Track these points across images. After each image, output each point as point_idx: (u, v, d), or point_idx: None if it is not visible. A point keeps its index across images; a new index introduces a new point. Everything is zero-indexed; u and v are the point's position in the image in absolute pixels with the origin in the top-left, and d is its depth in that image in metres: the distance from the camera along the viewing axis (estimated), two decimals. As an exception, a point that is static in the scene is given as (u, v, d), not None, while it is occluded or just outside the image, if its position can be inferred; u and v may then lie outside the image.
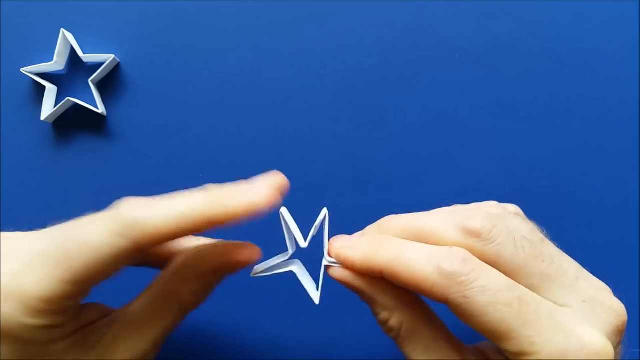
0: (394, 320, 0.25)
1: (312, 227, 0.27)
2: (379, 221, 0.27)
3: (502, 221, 0.25)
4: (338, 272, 0.26)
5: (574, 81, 0.37)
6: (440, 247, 0.24)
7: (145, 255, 0.29)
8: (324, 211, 0.27)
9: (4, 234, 0.26)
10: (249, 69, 0.38)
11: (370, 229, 0.27)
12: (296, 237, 0.27)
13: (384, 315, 0.26)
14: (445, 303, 0.23)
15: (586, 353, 0.22)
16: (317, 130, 0.37)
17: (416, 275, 0.23)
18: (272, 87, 0.38)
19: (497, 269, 0.24)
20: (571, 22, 0.38)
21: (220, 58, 0.38)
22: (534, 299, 0.23)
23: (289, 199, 0.37)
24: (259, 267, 0.27)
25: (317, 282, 0.28)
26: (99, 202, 0.37)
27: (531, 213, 0.37)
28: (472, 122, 0.37)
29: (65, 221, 0.26)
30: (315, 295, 0.27)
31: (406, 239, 0.25)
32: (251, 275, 0.27)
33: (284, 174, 0.37)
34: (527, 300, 0.23)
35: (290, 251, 0.28)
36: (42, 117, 0.37)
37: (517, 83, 0.37)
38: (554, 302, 0.24)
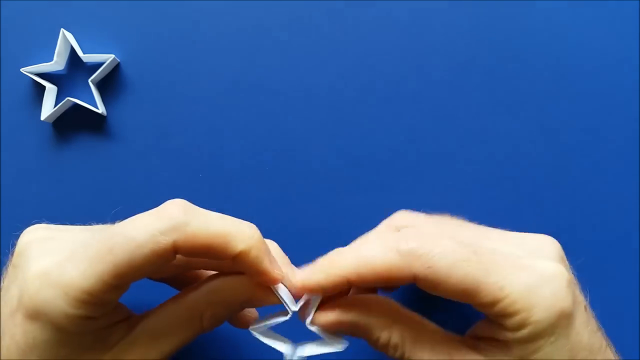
0: (396, 336, 0.26)
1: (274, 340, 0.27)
2: (326, 259, 0.27)
3: (427, 235, 0.26)
4: (326, 316, 0.26)
5: (574, 81, 0.37)
6: (391, 234, 0.26)
7: (176, 269, 0.29)
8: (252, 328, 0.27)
9: (51, 226, 0.27)
10: (249, 69, 0.38)
11: (317, 271, 0.27)
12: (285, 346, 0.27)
13: (384, 336, 0.26)
14: (413, 280, 0.24)
15: (548, 279, 0.24)
16: (317, 130, 0.37)
17: (380, 266, 0.24)
18: (272, 87, 0.38)
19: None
20: (571, 22, 0.37)
21: (220, 58, 0.38)
22: (487, 248, 0.25)
23: (289, 199, 0.37)
24: (257, 326, 0.27)
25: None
26: (99, 202, 0.38)
27: (531, 213, 0.37)
28: (472, 122, 0.37)
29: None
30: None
31: (354, 272, 0.25)
32: (249, 329, 0.27)
33: (284, 173, 0.37)
34: (482, 251, 0.25)
35: (292, 311, 0.27)
36: (42, 117, 0.37)
37: (517, 83, 0.37)
38: (502, 248, 0.26)
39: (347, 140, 0.37)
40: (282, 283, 0.27)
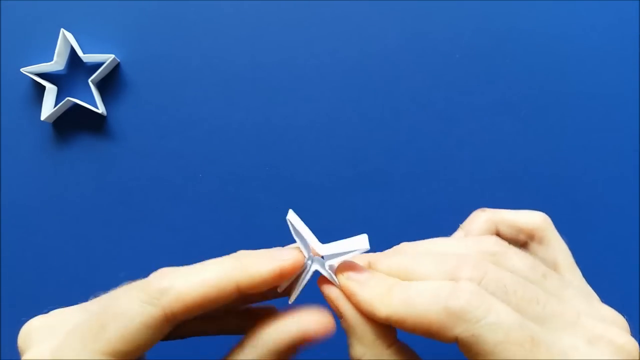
0: (367, 357, 0.24)
1: (305, 231, 0.26)
2: (395, 253, 0.25)
3: (493, 267, 0.23)
4: (335, 295, 0.25)
5: (574, 81, 0.37)
6: (447, 282, 0.23)
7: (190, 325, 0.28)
8: (290, 214, 0.25)
9: (51, 313, 0.27)
10: (249, 69, 0.38)
11: (378, 260, 0.25)
12: (311, 243, 0.26)
13: (357, 351, 0.24)
14: (455, 342, 0.22)
15: None
16: (317, 130, 0.37)
17: (424, 319, 0.22)
18: (272, 87, 0.38)
19: (508, 295, 0.22)
20: (571, 22, 0.38)
21: (220, 58, 0.38)
22: (546, 339, 0.22)
23: (289, 199, 0.37)
24: (293, 295, 0.26)
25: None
26: (99, 202, 0.38)
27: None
28: (472, 122, 0.37)
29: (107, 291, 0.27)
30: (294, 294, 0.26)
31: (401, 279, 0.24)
32: (290, 302, 0.26)
33: (284, 174, 0.37)
34: (540, 341, 0.21)
35: (306, 255, 0.26)
36: (42, 117, 0.37)
37: (517, 83, 0.37)
38: (561, 342, 0.22)
39: (347, 140, 0.37)
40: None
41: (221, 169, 0.37)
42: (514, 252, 0.25)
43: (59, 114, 0.38)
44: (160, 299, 0.23)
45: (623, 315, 0.25)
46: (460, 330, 0.21)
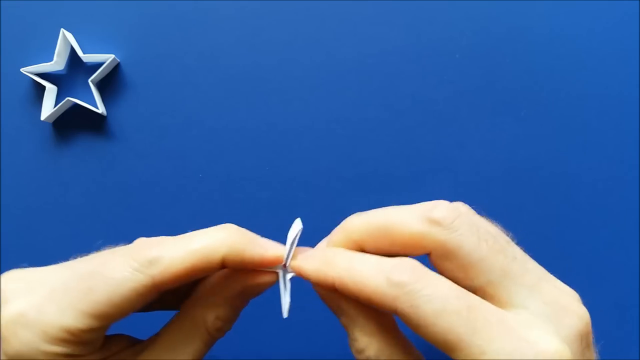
0: (371, 350, 0.24)
1: (291, 242, 0.26)
2: (344, 222, 0.27)
3: (466, 215, 0.24)
4: (329, 294, 0.25)
5: (574, 81, 0.37)
6: (390, 258, 0.24)
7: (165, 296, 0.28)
8: (299, 225, 0.27)
9: (28, 269, 0.27)
10: (249, 69, 0.38)
11: (335, 232, 0.27)
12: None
13: (360, 343, 0.25)
14: (395, 313, 0.23)
15: (552, 348, 0.22)
16: (317, 131, 0.37)
17: (367, 286, 0.23)
18: (272, 87, 0.38)
19: (456, 261, 0.23)
20: (571, 22, 0.38)
21: (220, 58, 0.38)
22: (484, 306, 0.23)
23: (289, 199, 0.37)
24: (285, 306, 0.27)
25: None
26: (99, 202, 0.38)
27: (531, 212, 0.37)
28: (472, 122, 0.37)
29: (85, 254, 0.27)
30: (285, 308, 0.26)
31: (370, 234, 0.25)
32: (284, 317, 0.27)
33: (284, 174, 0.37)
34: (477, 307, 0.22)
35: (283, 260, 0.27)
36: (42, 117, 0.37)
37: (517, 83, 0.37)
38: (512, 303, 0.23)
39: (347, 140, 0.37)
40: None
41: (221, 169, 0.37)
42: (480, 216, 0.25)
43: (59, 114, 0.38)
44: (150, 267, 0.24)
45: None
46: (401, 301, 0.22)
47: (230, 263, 0.25)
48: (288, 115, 0.37)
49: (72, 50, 0.38)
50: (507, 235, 0.25)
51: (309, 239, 0.37)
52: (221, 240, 0.25)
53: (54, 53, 0.37)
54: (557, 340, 0.22)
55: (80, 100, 0.37)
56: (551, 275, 0.25)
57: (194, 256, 0.24)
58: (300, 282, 0.27)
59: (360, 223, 0.26)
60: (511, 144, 0.37)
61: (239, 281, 0.26)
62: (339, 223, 0.38)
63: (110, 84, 0.38)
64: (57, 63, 0.37)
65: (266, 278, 0.26)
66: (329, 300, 0.26)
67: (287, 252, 0.26)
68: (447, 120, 0.37)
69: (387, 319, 0.25)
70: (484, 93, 0.37)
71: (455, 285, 0.23)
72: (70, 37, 0.37)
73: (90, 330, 0.24)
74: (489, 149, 0.37)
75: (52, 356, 0.23)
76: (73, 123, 0.38)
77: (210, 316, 0.26)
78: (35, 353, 0.23)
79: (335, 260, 0.25)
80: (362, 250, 0.25)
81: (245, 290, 0.26)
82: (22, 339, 0.23)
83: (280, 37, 0.38)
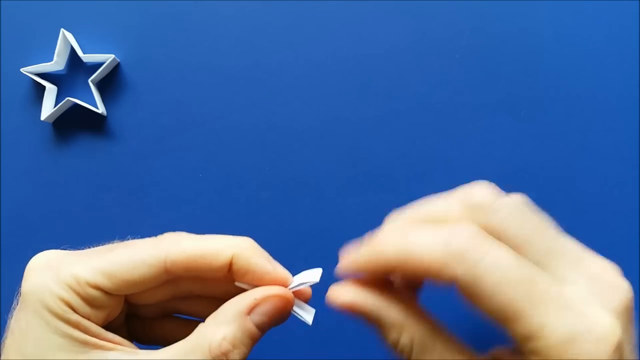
0: (405, 338, 0.24)
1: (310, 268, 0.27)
2: (385, 223, 0.26)
3: (507, 196, 0.24)
4: (343, 296, 0.25)
5: (574, 81, 0.37)
6: (446, 225, 0.23)
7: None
8: (318, 273, 0.27)
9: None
10: (249, 69, 0.38)
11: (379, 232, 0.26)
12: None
13: (393, 335, 0.25)
14: (455, 283, 0.22)
15: (595, 336, 0.22)
16: (317, 130, 0.37)
17: (425, 258, 0.22)
18: (272, 87, 0.38)
19: (504, 242, 0.23)
20: (571, 22, 0.37)
21: (220, 58, 0.38)
22: (544, 278, 0.22)
23: (289, 199, 0.37)
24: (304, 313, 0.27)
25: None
26: (99, 202, 0.38)
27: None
28: (472, 122, 0.37)
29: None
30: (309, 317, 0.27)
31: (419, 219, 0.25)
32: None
33: (284, 173, 0.37)
34: (537, 280, 0.22)
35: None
36: (42, 117, 0.37)
37: (517, 83, 0.37)
38: (561, 279, 0.23)
39: (348, 139, 0.37)
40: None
41: (221, 169, 0.37)
42: (520, 199, 0.25)
43: (59, 114, 0.38)
44: (166, 247, 0.26)
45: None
46: (460, 271, 0.22)
47: (238, 267, 0.25)
48: (288, 115, 0.37)
49: (72, 50, 0.38)
50: (541, 215, 0.26)
51: (308, 239, 0.37)
52: (233, 242, 0.26)
53: (54, 53, 0.37)
54: (609, 315, 0.22)
55: (80, 100, 0.37)
56: (591, 251, 0.25)
57: (205, 248, 0.25)
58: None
59: (403, 218, 0.26)
60: (511, 144, 0.37)
61: (249, 295, 0.26)
62: (338, 223, 0.38)
63: (110, 84, 0.38)
64: (57, 63, 0.37)
65: (274, 290, 0.26)
66: (348, 307, 0.25)
67: (296, 282, 0.26)
68: (447, 120, 0.37)
69: (412, 304, 0.25)
70: (484, 93, 0.37)
71: (516, 254, 0.22)
72: (70, 37, 0.37)
73: (95, 287, 0.25)
74: (489, 149, 0.37)
75: (58, 299, 0.24)
76: (73, 123, 0.38)
77: (217, 334, 0.25)
78: (44, 292, 0.24)
79: (387, 238, 0.24)
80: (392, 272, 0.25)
81: (254, 305, 0.25)
82: (38, 276, 0.25)
83: (280, 37, 0.38)
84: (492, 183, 0.26)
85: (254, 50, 0.38)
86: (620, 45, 0.37)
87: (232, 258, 0.25)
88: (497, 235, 0.23)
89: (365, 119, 0.37)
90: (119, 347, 0.25)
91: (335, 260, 0.36)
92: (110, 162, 0.38)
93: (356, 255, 0.25)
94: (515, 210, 0.24)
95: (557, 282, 0.23)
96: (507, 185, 0.37)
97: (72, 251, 0.27)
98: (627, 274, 0.36)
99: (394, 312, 0.25)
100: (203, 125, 0.38)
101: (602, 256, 0.25)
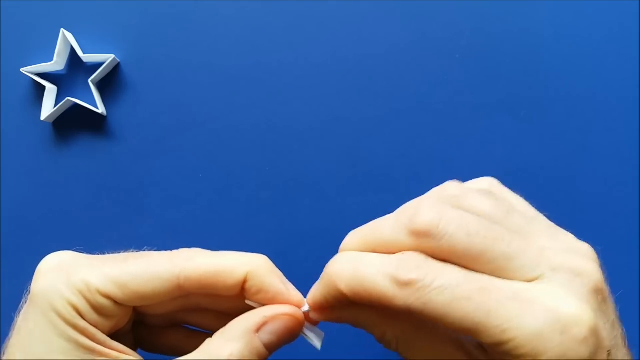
0: (389, 335, 0.25)
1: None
2: (340, 247, 0.27)
3: (451, 210, 0.24)
4: (322, 314, 0.26)
5: (574, 81, 0.37)
6: (392, 255, 0.24)
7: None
8: (320, 340, 0.27)
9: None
10: (249, 69, 0.38)
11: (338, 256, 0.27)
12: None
13: (377, 333, 0.25)
14: (409, 313, 0.23)
15: (563, 325, 0.21)
16: (317, 130, 0.37)
17: (376, 292, 0.23)
18: (272, 87, 0.38)
19: (456, 260, 0.23)
20: (571, 22, 0.37)
21: (220, 58, 0.38)
22: (495, 285, 0.22)
23: (289, 199, 0.37)
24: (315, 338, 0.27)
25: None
26: (99, 202, 0.38)
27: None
28: (472, 122, 0.37)
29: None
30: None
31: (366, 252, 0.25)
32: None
33: (284, 173, 0.37)
34: (487, 288, 0.22)
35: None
36: (42, 117, 0.37)
37: (517, 83, 0.37)
38: (524, 279, 0.23)
39: (348, 139, 0.37)
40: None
41: (221, 169, 0.37)
42: (475, 192, 0.26)
43: (59, 114, 0.38)
44: (182, 262, 0.26)
45: (593, 248, 0.25)
46: (412, 300, 0.22)
47: (250, 285, 0.25)
48: (288, 115, 0.37)
49: (72, 50, 0.38)
50: (507, 201, 0.26)
51: (309, 238, 0.37)
52: (248, 260, 0.26)
53: (54, 53, 0.37)
54: (576, 302, 0.22)
55: (80, 100, 0.37)
56: (555, 232, 0.25)
57: (220, 265, 0.25)
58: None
59: (354, 242, 0.26)
60: (511, 144, 0.37)
61: (258, 312, 0.26)
62: (338, 223, 0.38)
63: (110, 84, 0.38)
64: (57, 63, 0.37)
65: (285, 309, 0.26)
66: (340, 318, 0.26)
67: (307, 307, 0.26)
68: (447, 120, 0.37)
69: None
70: (484, 93, 0.37)
71: (464, 270, 0.23)
72: (70, 37, 0.37)
73: (106, 296, 0.25)
74: (489, 149, 0.37)
75: (66, 302, 0.24)
76: (73, 123, 0.38)
77: (225, 351, 0.25)
78: (54, 295, 0.24)
79: (338, 273, 0.24)
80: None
81: (263, 323, 0.26)
82: (49, 278, 0.25)
83: (280, 37, 0.38)
84: (452, 184, 0.26)
85: (254, 50, 0.38)
86: (620, 45, 0.37)
87: (246, 276, 0.25)
88: (447, 256, 0.23)
89: (365, 119, 0.37)
90: (123, 356, 0.25)
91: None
92: (110, 162, 0.38)
93: (314, 291, 0.26)
94: (460, 225, 0.23)
95: (512, 283, 0.23)
96: (507, 185, 0.37)
97: (85, 255, 0.26)
98: (627, 274, 0.36)
99: (370, 316, 0.25)
100: (203, 125, 0.38)
101: (570, 235, 0.25)
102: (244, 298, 0.26)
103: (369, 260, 0.24)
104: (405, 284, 0.22)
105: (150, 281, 0.25)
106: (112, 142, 0.38)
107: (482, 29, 0.38)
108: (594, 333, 0.22)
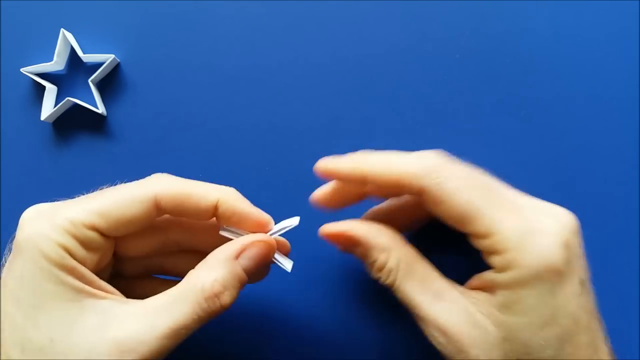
0: (392, 261, 0.27)
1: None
2: (355, 155, 0.29)
3: (449, 161, 0.27)
4: (336, 226, 0.28)
5: (574, 81, 0.37)
6: (413, 153, 0.28)
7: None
8: (296, 221, 0.29)
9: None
10: (249, 69, 0.38)
11: (347, 160, 0.29)
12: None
13: (381, 258, 0.27)
14: (421, 193, 0.26)
15: (545, 232, 0.25)
16: (317, 130, 0.37)
17: (400, 170, 0.26)
18: (272, 87, 0.38)
19: (446, 204, 0.26)
20: (571, 22, 0.38)
21: (220, 58, 0.38)
22: (500, 187, 0.27)
23: (289, 199, 0.37)
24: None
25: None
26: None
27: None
28: (472, 122, 0.37)
29: None
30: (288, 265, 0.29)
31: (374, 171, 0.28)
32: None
33: (284, 173, 0.37)
34: (494, 187, 0.26)
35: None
36: (42, 117, 0.37)
37: (517, 83, 0.37)
38: (516, 195, 0.27)
39: (348, 139, 0.37)
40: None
41: (221, 169, 0.37)
42: (456, 163, 0.28)
43: (59, 114, 0.38)
44: (158, 182, 0.27)
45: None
46: (427, 181, 0.26)
47: (223, 210, 0.27)
48: (288, 115, 0.38)
49: (72, 50, 0.38)
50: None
51: (308, 238, 0.37)
52: (220, 188, 0.28)
53: (54, 53, 0.37)
54: (558, 224, 0.26)
55: (80, 100, 0.37)
56: (535, 202, 0.28)
57: (193, 189, 0.27)
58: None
59: (365, 159, 0.29)
60: (511, 144, 0.37)
61: (236, 241, 0.28)
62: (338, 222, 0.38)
63: (110, 84, 0.38)
64: (57, 63, 0.37)
65: (259, 237, 0.28)
66: (337, 236, 0.28)
67: (277, 229, 0.29)
68: (447, 120, 0.37)
69: (396, 232, 0.28)
70: (483, 93, 0.37)
71: (475, 169, 0.27)
72: (70, 37, 0.37)
73: (91, 227, 0.26)
74: (489, 149, 0.37)
75: (55, 244, 0.25)
76: (73, 123, 0.38)
77: (209, 277, 0.26)
78: (41, 239, 0.25)
79: (366, 156, 0.28)
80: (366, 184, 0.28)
81: (242, 250, 0.27)
82: (33, 225, 0.26)
83: (280, 37, 0.38)
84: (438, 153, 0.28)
85: (254, 51, 0.38)
86: (620, 45, 0.37)
87: (217, 201, 0.27)
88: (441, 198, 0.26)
89: (365, 119, 0.37)
90: (110, 295, 0.26)
91: (335, 257, 0.36)
92: (110, 162, 0.38)
93: (338, 161, 0.28)
94: (457, 173, 0.27)
95: (514, 192, 0.27)
96: (507, 185, 0.37)
97: (62, 201, 0.27)
98: (627, 273, 0.36)
99: (382, 237, 0.28)
100: (203, 125, 0.38)
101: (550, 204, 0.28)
102: (217, 234, 0.28)
103: (391, 153, 0.28)
104: (425, 165, 0.26)
105: (130, 206, 0.26)
106: (112, 142, 0.38)
107: (482, 29, 0.38)
108: (570, 248, 0.25)
